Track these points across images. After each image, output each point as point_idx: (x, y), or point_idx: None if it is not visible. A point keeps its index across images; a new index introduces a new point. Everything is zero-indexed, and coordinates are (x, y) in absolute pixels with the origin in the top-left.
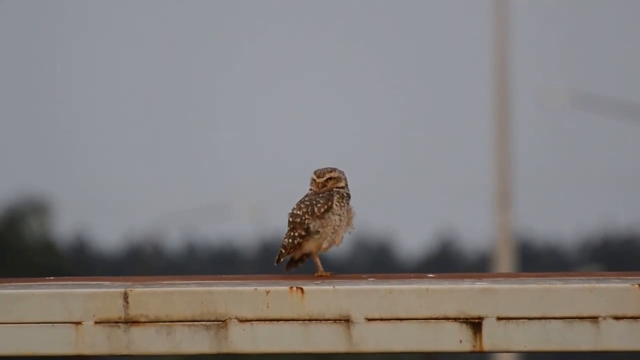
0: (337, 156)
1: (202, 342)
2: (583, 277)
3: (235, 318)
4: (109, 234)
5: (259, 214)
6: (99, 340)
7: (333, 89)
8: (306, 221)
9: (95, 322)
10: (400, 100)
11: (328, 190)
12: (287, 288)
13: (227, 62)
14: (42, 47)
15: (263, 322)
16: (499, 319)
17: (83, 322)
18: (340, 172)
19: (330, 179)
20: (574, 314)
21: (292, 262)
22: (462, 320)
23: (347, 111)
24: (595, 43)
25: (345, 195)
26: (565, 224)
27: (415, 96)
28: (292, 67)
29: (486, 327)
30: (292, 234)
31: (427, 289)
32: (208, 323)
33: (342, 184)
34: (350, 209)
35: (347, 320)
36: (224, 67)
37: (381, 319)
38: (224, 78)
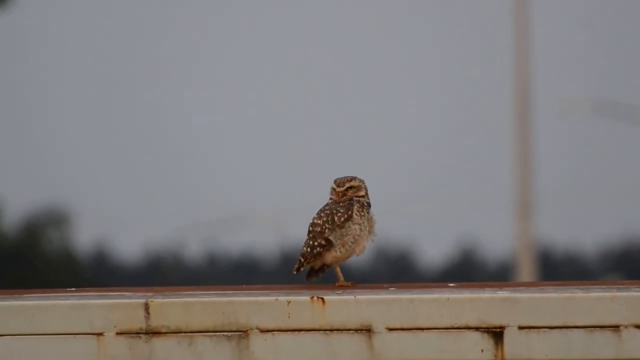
0: (358, 165)
1: (223, 353)
2: (604, 286)
3: (257, 328)
4: (129, 244)
5: (280, 223)
6: (120, 352)
7: (355, 99)
8: (326, 231)
9: (117, 333)
10: (421, 110)
11: (348, 199)
12: (308, 298)
13: (247, 70)
14: (69, 57)
15: (284, 332)
16: (521, 328)
17: (104, 333)
18: (360, 181)
19: (350, 187)
20: (596, 323)
21: (313, 272)
22: (483, 329)
23: (368, 120)
24: (618, 50)
25: (366, 204)
26: (586, 232)
27: (437, 106)
28: (313, 75)
29: (507, 336)
30: (311, 243)
31: (448, 299)
32: (229, 333)
33: (362, 193)
34: (371, 217)
35: (368, 330)
36: (244, 75)
37: (402, 329)
38: (243, 86)
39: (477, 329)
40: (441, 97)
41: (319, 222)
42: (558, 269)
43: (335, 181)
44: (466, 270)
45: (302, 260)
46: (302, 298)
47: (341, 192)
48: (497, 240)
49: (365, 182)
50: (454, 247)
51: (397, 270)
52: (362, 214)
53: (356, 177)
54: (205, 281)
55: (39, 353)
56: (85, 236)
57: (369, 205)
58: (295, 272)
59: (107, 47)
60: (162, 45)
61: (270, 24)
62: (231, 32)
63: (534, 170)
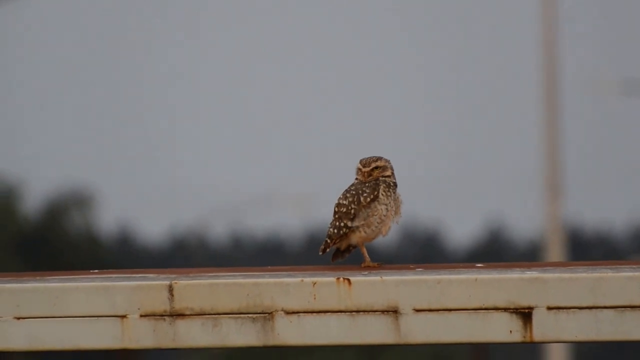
0: (384, 145)
1: (248, 335)
2: (635, 266)
3: (282, 310)
4: (154, 226)
5: (306, 204)
6: (144, 334)
7: (380, 77)
8: (352, 211)
9: (141, 315)
10: (448, 88)
11: (374, 179)
12: (334, 279)
13: (274, 52)
14: (98, 47)
15: (310, 313)
16: (549, 308)
17: (128, 316)
18: (386, 160)
19: (376, 168)
20: (626, 303)
21: (339, 253)
22: (511, 310)
23: (394, 99)
24: None
25: (392, 184)
26: (616, 211)
27: (464, 84)
28: (338, 55)
29: (536, 317)
30: (337, 224)
31: (476, 279)
32: (254, 315)
33: (387, 173)
34: (397, 197)
35: (395, 312)
36: (270, 56)
37: (430, 310)
38: (268, 66)
39: (505, 309)
40: (468, 76)
41: (344, 202)
42: (587, 248)
43: (361, 161)
44: (494, 251)
45: (328, 241)
46: (327, 279)
47: (367, 172)
48: (525, 220)
49: (391, 162)
50: (482, 228)
51: (424, 251)
52: (389, 194)
53: (382, 157)
54: (230, 263)
55: (63, 335)
56: (109, 218)
57: (395, 185)
58: (321, 253)
59: (124, 24)
60: (173, 23)
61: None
62: (243, 11)
63: (563, 148)
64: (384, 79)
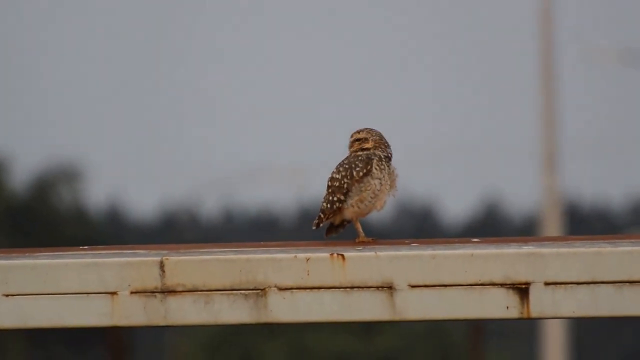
0: (380, 119)
1: (241, 312)
2: (633, 240)
3: (275, 286)
4: (144, 201)
5: (299, 177)
6: (135, 311)
7: (377, 51)
8: (345, 185)
9: (131, 292)
10: (444, 62)
11: (354, 151)
12: (327, 255)
13: (264, 31)
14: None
15: (303, 290)
16: (547, 284)
17: (118, 292)
18: (369, 132)
19: (357, 140)
20: (624, 278)
21: (332, 228)
22: (508, 285)
23: (391, 73)
24: None
25: (384, 157)
26: (614, 185)
27: (460, 58)
28: (333, 31)
29: (533, 292)
30: (330, 198)
31: (472, 254)
32: (247, 292)
33: (368, 145)
34: (393, 171)
35: (389, 288)
36: (260, 32)
37: (425, 286)
38: (259, 43)
39: (502, 285)
40: (464, 50)
41: (337, 176)
42: (585, 222)
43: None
44: (491, 226)
45: (322, 215)
46: (321, 255)
47: (349, 143)
48: (522, 194)
49: (382, 134)
50: (478, 202)
51: (420, 226)
52: (382, 167)
53: (367, 129)
54: (222, 239)
55: (52, 313)
56: (98, 193)
57: (389, 158)
58: (314, 228)
59: (121, 5)
60: (171, 7)
61: None
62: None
63: (560, 122)
64: (379, 53)
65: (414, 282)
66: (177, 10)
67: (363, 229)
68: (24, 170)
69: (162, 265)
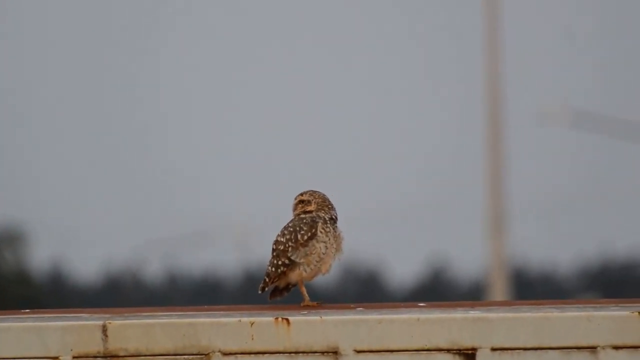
0: (326, 181)
1: None
2: (580, 305)
3: (219, 351)
4: (87, 264)
5: (244, 240)
6: None
7: (325, 114)
8: (289, 249)
9: (74, 357)
10: (390, 123)
11: (298, 214)
12: (272, 319)
13: (212, 85)
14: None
15: (248, 355)
16: (494, 349)
17: (60, 357)
18: (312, 194)
19: (300, 202)
20: (572, 344)
21: (277, 291)
22: (454, 351)
23: (335, 134)
24: (594, 60)
25: (329, 219)
26: (562, 250)
27: (407, 119)
28: (278, 89)
29: (480, 358)
30: (275, 262)
31: (418, 319)
32: (191, 357)
33: (310, 208)
34: (338, 234)
35: (335, 353)
36: (207, 89)
37: (371, 351)
38: (205, 101)
39: (448, 350)
40: (411, 110)
41: (282, 240)
42: (532, 287)
43: None
44: (437, 290)
45: (267, 279)
46: (266, 319)
47: (293, 205)
48: (468, 258)
49: (327, 196)
50: (425, 266)
51: (365, 290)
52: (328, 230)
53: (309, 191)
54: (166, 302)
55: None
56: (41, 255)
57: (334, 220)
58: (260, 292)
59: (65, 58)
60: (126, 53)
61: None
62: (193, 36)
63: (507, 185)
64: (329, 114)
65: (359, 348)
66: (123, 62)
67: (308, 293)
68: None
69: (104, 330)
